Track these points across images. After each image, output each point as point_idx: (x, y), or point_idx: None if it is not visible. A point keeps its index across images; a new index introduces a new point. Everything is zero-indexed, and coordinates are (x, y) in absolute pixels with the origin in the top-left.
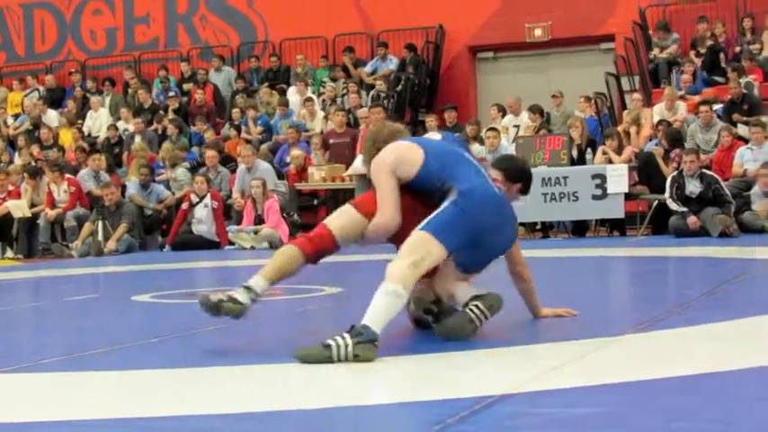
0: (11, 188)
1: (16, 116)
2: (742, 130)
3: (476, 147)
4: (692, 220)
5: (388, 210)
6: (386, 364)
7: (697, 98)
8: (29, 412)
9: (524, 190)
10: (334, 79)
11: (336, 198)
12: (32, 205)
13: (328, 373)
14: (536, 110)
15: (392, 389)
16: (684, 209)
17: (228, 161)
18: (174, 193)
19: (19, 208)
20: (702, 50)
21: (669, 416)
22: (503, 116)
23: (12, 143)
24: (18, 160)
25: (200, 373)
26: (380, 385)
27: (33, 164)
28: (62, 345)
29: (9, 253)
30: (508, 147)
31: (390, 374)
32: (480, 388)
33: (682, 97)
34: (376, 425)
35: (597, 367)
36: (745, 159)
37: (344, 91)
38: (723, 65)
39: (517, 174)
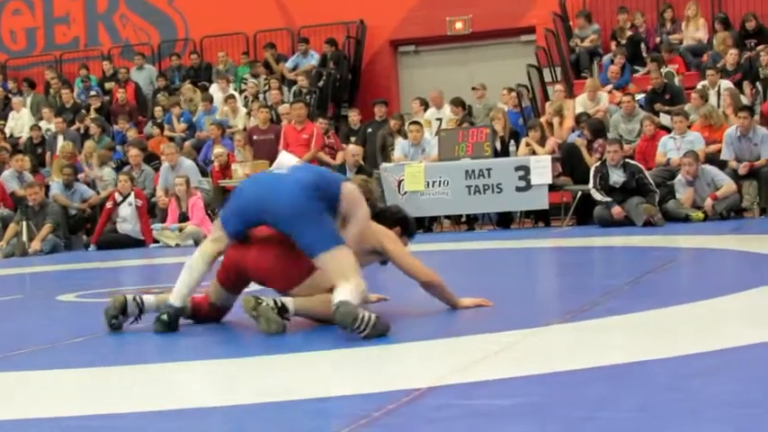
0: None
1: None
2: (664, 119)
3: (399, 141)
4: (617, 210)
5: None
6: (311, 359)
7: (619, 94)
8: None
9: (406, 233)
10: (255, 75)
11: None
12: None
13: (255, 369)
14: (458, 103)
15: (317, 384)
16: (608, 199)
17: (152, 159)
18: (98, 193)
19: None
20: (623, 41)
21: (593, 405)
22: (425, 110)
23: None
24: None
25: (127, 371)
26: (306, 380)
27: None
28: None
29: None
30: (431, 140)
31: (315, 369)
32: (406, 381)
33: (609, 92)
34: (301, 420)
35: (522, 358)
36: (668, 148)
37: (266, 87)
38: (644, 55)
39: (392, 222)
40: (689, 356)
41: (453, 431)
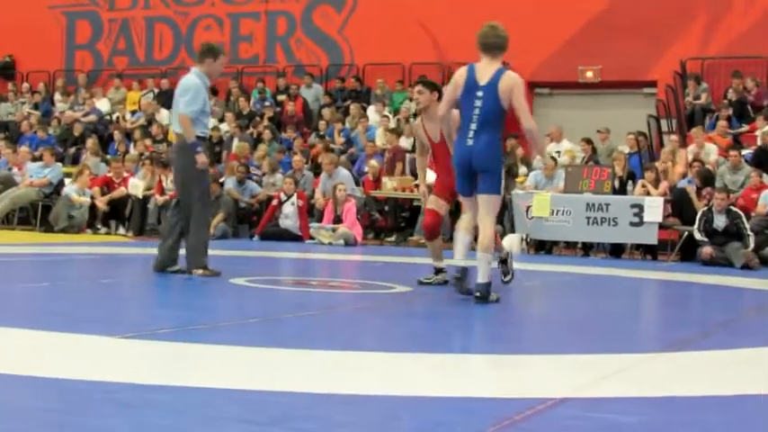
0: (125, 174)
1: (133, 112)
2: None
3: (523, 170)
4: (707, 250)
5: None
6: (453, 360)
7: (727, 139)
8: (146, 375)
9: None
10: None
11: (403, 206)
12: (148, 189)
13: (398, 363)
14: (587, 141)
15: (462, 384)
16: (705, 239)
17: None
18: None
19: (136, 187)
20: (733, 100)
21: (710, 430)
22: None
23: (128, 135)
24: (133, 151)
25: (297, 354)
26: (453, 380)
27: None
28: (173, 317)
29: (121, 230)
30: (559, 173)
31: (462, 370)
32: (540, 390)
33: (709, 138)
34: (450, 415)
35: (642, 379)
36: None
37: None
38: (752, 115)
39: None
40: None
41: None
